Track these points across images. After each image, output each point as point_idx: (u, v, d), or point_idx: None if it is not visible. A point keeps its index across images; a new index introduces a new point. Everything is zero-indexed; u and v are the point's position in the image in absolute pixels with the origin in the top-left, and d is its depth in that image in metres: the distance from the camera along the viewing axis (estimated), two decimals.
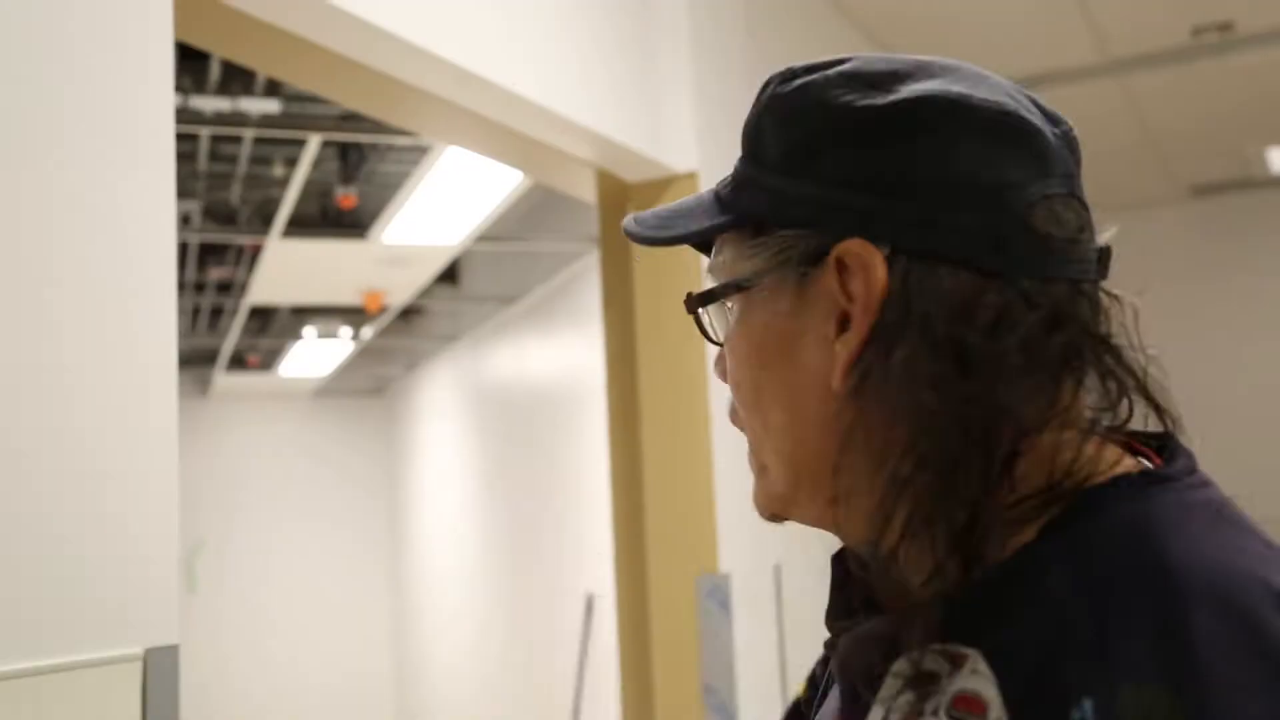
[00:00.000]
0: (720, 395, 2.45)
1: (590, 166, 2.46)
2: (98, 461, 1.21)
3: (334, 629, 8.42)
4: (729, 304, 0.73)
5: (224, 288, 5.30)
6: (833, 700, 0.75)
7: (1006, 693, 0.58)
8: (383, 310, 5.78)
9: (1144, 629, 0.55)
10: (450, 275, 5.35)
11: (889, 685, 0.64)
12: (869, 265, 0.64)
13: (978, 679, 0.59)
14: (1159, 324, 0.70)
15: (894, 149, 0.65)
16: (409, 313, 6.09)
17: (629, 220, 0.79)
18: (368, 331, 6.44)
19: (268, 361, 7.32)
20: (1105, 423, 0.67)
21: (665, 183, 2.49)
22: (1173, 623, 0.55)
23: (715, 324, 0.76)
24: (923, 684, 0.62)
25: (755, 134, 0.72)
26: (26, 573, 1.13)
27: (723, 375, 0.76)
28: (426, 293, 5.57)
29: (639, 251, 2.48)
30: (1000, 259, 0.64)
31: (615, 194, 2.57)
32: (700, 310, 0.75)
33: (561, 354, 5.59)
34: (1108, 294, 0.67)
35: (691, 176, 2.47)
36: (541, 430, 5.67)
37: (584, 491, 4.97)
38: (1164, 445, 0.68)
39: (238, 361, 7.21)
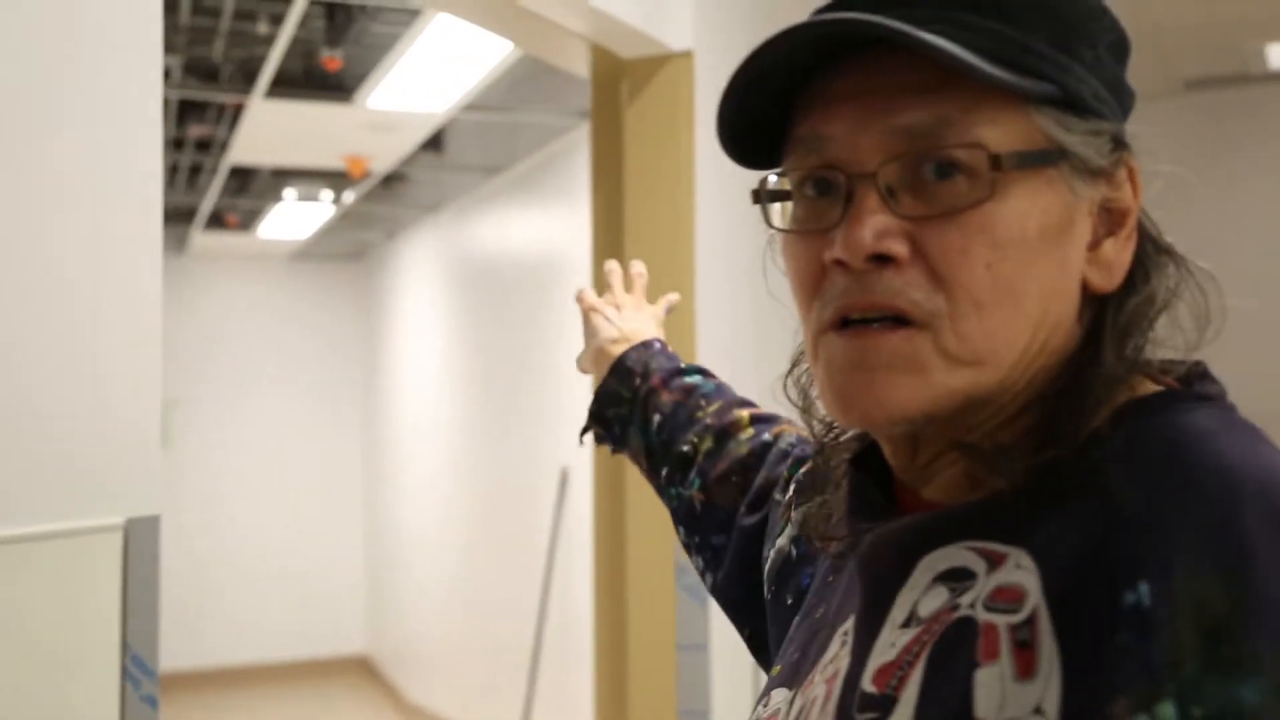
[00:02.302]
0: (707, 271, 2.43)
1: (584, 41, 2.40)
2: (83, 335, 1.19)
3: (304, 493, 8.47)
4: (979, 172, 0.62)
5: (203, 146, 5.19)
6: (839, 596, 0.75)
7: (1048, 583, 0.59)
8: (366, 175, 5.69)
9: (1198, 522, 0.57)
10: (435, 143, 5.26)
11: (919, 576, 0.65)
12: (1136, 170, 0.69)
13: (1021, 573, 0.60)
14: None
15: (1114, 54, 0.69)
16: (391, 179, 5.99)
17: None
18: (349, 196, 6.35)
19: (247, 222, 7.22)
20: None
21: (660, 60, 2.43)
22: (1225, 518, 0.56)
23: (935, 189, 0.63)
24: (958, 579, 0.63)
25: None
26: (7, 439, 1.12)
27: (895, 252, 0.64)
28: (410, 160, 5.49)
29: (632, 127, 2.43)
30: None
31: (609, 70, 2.51)
32: (940, 172, 0.63)
33: (544, 228, 5.54)
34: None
35: (687, 55, 2.41)
36: (521, 303, 5.65)
37: (561, 366, 4.97)
38: (1190, 375, 0.69)
39: (216, 221, 7.11)
